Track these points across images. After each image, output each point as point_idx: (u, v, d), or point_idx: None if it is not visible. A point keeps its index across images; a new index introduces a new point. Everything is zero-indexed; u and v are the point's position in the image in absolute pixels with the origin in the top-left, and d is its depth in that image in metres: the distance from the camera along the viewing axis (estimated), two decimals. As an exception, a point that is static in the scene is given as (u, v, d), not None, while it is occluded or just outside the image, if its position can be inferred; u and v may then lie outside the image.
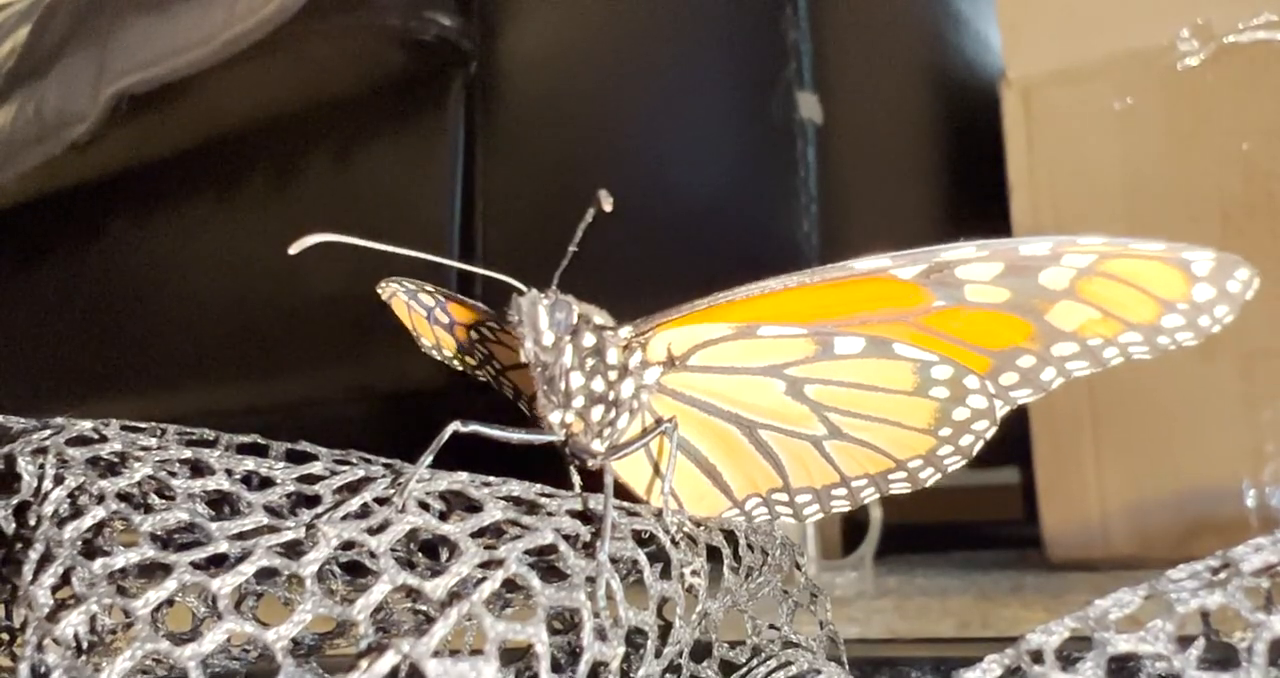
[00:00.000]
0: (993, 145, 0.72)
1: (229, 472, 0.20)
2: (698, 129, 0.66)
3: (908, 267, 0.22)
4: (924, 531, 0.87)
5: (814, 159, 0.63)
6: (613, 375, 0.23)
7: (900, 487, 0.25)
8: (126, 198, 0.89)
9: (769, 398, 0.24)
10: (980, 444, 0.24)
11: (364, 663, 0.14)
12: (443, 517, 0.21)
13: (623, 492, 0.25)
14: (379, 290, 0.29)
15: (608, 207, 0.22)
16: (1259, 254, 0.68)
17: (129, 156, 0.87)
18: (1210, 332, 0.22)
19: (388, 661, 0.14)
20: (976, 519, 0.91)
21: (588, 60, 0.69)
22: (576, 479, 0.25)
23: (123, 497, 0.19)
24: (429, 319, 0.28)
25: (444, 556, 0.21)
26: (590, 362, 0.23)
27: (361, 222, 0.74)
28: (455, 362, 0.29)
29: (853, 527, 0.73)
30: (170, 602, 0.19)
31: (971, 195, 0.79)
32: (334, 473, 0.21)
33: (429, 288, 0.28)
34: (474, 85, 0.72)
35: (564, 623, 0.23)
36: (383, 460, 0.23)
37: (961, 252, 0.22)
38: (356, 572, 0.22)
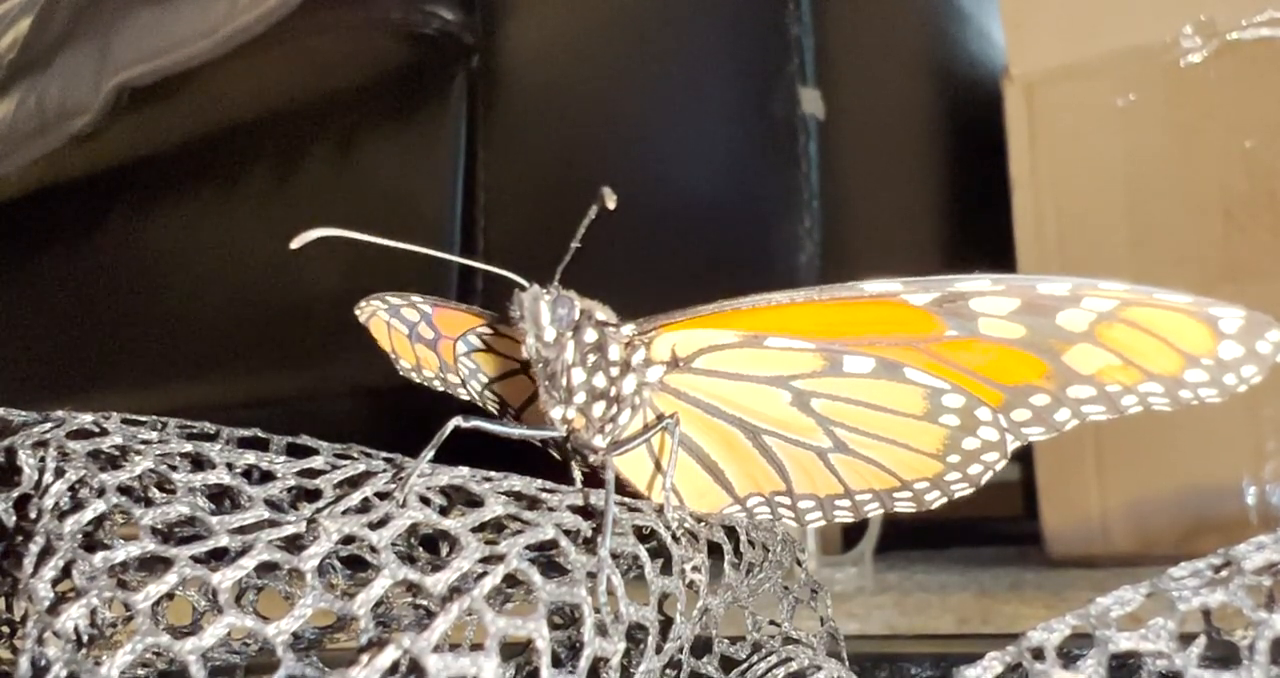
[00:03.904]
0: (995, 141, 0.72)
1: (230, 466, 0.20)
2: (700, 124, 0.66)
3: (919, 293, 0.22)
4: (924, 527, 0.87)
5: (816, 154, 0.63)
6: (614, 371, 0.23)
7: (905, 506, 0.25)
8: (128, 191, 0.89)
9: (774, 407, 0.24)
10: (989, 475, 0.24)
11: (365, 658, 0.14)
12: (443, 512, 0.21)
13: (624, 488, 0.25)
14: (357, 312, 0.28)
15: (611, 204, 0.22)
16: (1261, 251, 0.68)
17: (130, 149, 0.87)
18: (1235, 391, 0.22)
19: (388, 655, 0.14)
20: (976, 516, 0.91)
21: (590, 54, 0.69)
22: (578, 475, 0.25)
23: (123, 490, 0.19)
24: (410, 337, 0.28)
25: (445, 550, 0.21)
26: (592, 358, 0.23)
27: (362, 216, 0.74)
28: (436, 382, 0.29)
29: (852, 523, 0.73)
30: (171, 595, 0.19)
31: (973, 191, 0.79)
32: (335, 467, 0.21)
33: (415, 299, 0.27)
34: (476, 79, 0.71)
35: (565, 618, 0.23)
36: (384, 455, 0.23)
37: (976, 284, 0.22)
38: (357, 566, 0.22)
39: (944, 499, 0.25)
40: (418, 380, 0.29)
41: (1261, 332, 0.21)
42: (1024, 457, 0.71)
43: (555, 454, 0.26)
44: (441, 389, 0.29)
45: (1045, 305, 0.22)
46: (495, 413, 0.28)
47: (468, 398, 0.28)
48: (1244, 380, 0.22)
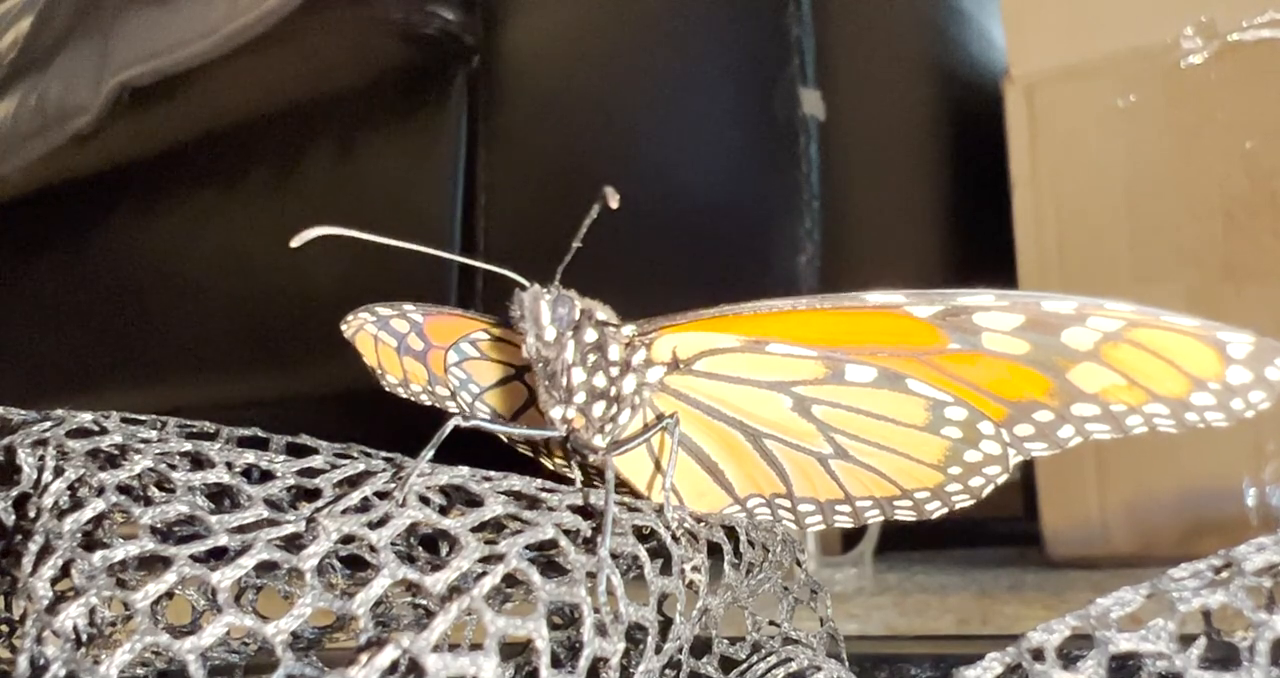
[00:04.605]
0: (996, 142, 0.72)
1: (229, 465, 0.20)
2: (700, 124, 0.66)
3: (923, 306, 0.22)
4: (924, 527, 0.87)
5: (816, 155, 0.63)
6: (614, 371, 0.23)
7: (905, 515, 0.25)
8: (129, 190, 0.89)
9: (775, 411, 0.24)
10: (990, 487, 0.24)
11: (364, 657, 0.14)
12: (443, 511, 0.21)
13: (624, 487, 0.24)
14: (343, 326, 0.28)
15: (614, 203, 0.22)
16: (1261, 252, 0.68)
17: (131, 149, 0.87)
18: (1243, 416, 0.22)
19: (388, 655, 0.14)
20: (976, 516, 0.91)
21: (591, 55, 0.69)
22: (577, 475, 0.25)
23: (122, 489, 0.19)
24: (398, 350, 0.28)
25: (444, 550, 0.21)
26: (592, 357, 0.23)
27: (363, 215, 0.74)
28: (424, 395, 0.28)
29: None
30: (170, 594, 0.19)
31: (974, 192, 0.79)
32: (334, 467, 0.21)
33: (407, 308, 0.27)
34: (476, 79, 0.71)
35: (564, 618, 0.23)
36: (383, 455, 0.23)
37: (980, 298, 0.22)
38: (356, 565, 0.22)
39: (944, 509, 0.25)
40: (404, 395, 0.29)
41: (1271, 358, 0.21)
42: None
43: (548, 464, 0.26)
44: (429, 403, 0.29)
45: (1050, 323, 0.21)
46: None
47: (456, 411, 0.28)
48: (1251, 406, 0.21)
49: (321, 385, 0.76)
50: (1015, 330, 0.22)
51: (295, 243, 0.22)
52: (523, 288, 0.22)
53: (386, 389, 0.29)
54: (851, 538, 0.75)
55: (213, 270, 0.83)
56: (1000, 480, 0.24)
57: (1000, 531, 0.91)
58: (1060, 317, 0.21)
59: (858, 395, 0.23)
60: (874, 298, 0.22)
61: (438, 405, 0.28)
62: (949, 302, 0.22)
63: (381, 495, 0.19)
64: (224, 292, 0.82)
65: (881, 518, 0.25)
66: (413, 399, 0.29)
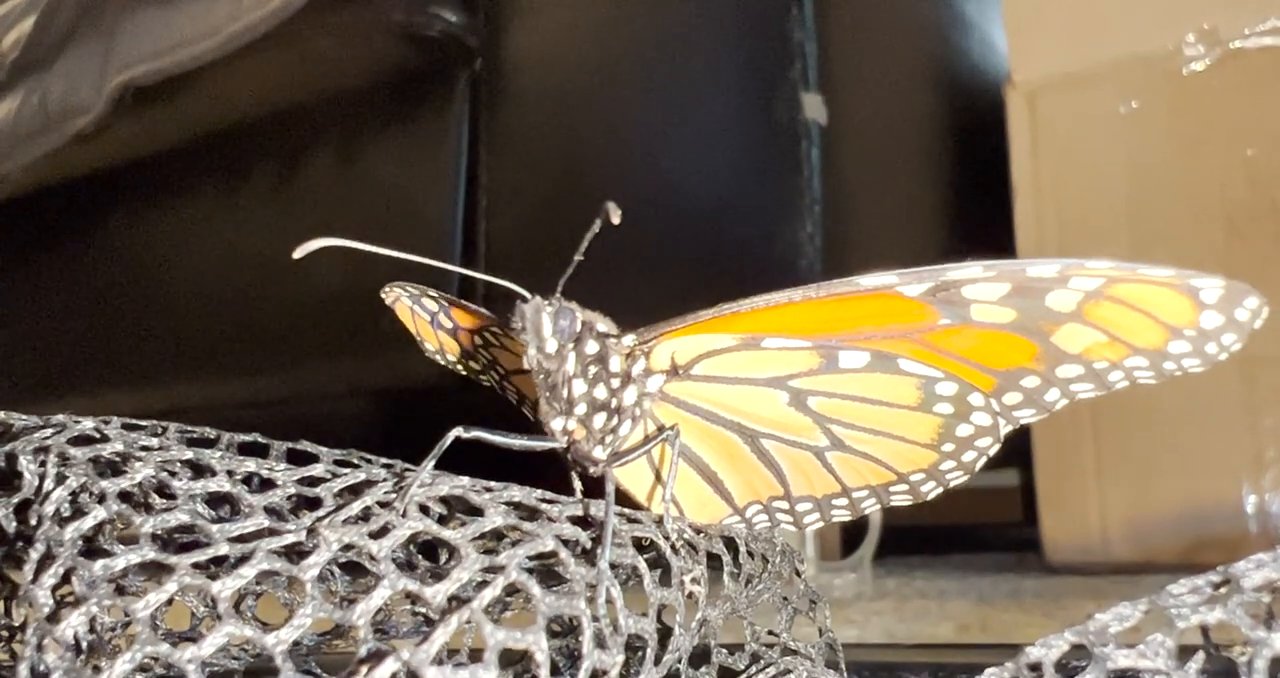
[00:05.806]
0: (997, 148, 0.72)
1: (230, 473, 0.20)
2: (702, 128, 0.66)
3: (914, 284, 0.22)
4: (923, 533, 0.87)
5: (818, 160, 0.63)
6: (615, 383, 0.23)
7: (901, 499, 0.25)
8: (130, 190, 0.89)
9: (772, 408, 0.24)
10: (983, 460, 0.24)
11: (364, 670, 0.14)
12: (443, 520, 0.21)
13: (624, 498, 0.25)
14: (383, 295, 0.29)
15: (615, 219, 0.22)
16: (1262, 259, 0.68)
17: (133, 149, 0.87)
18: (1217, 359, 0.22)
19: (387, 668, 0.14)
20: (976, 522, 0.91)
21: (593, 58, 0.69)
22: (578, 485, 0.25)
23: (123, 496, 0.19)
24: (432, 324, 0.28)
25: (444, 557, 0.21)
26: (593, 369, 0.23)
27: (364, 217, 0.74)
28: (459, 366, 0.29)
29: (852, 528, 0.73)
30: (170, 600, 0.19)
31: (975, 198, 0.79)
32: (335, 475, 0.21)
33: (432, 293, 0.27)
34: (479, 82, 0.71)
35: (563, 626, 0.23)
36: (383, 461, 0.23)
37: (968, 271, 0.22)
38: (356, 569, 0.22)
39: (939, 489, 0.25)
40: (442, 362, 0.29)
41: (1240, 300, 0.22)
42: (1024, 463, 0.71)
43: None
44: (464, 373, 0.29)
45: (1035, 288, 0.22)
46: (515, 402, 0.28)
47: (489, 384, 0.28)
48: (1224, 348, 0.22)
49: (322, 385, 0.76)
50: (1002, 299, 0.22)
51: (298, 254, 0.22)
52: (524, 299, 0.22)
53: (427, 355, 0.30)
54: (851, 543, 0.75)
55: (213, 271, 0.83)
56: (992, 452, 0.24)
57: (1000, 536, 0.91)
58: (1045, 281, 0.22)
59: (852, 382, 0.23)
60: (867, 281, 0.22)
61: (471, 377, 0.29)
62: (939, 277, 0.22)
63: (382, 505, 0.19)
64: (224, 292, 0.82)
65: (878, 507, 0.25)
66: (450, 367, 0.29)
